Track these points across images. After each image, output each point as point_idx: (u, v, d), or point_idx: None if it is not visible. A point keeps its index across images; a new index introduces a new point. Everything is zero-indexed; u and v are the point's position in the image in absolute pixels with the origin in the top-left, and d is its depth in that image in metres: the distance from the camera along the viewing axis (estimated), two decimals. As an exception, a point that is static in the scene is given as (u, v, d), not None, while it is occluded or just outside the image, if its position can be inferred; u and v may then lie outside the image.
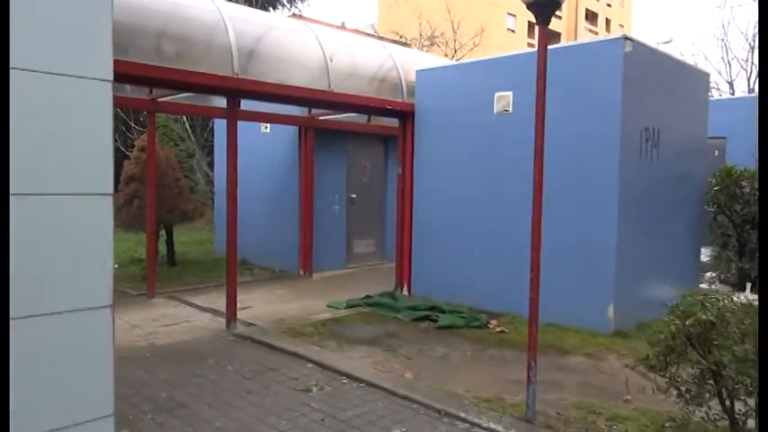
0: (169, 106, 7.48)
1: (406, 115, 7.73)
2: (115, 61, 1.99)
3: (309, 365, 4.93)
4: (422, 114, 7.62)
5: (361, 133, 10.02)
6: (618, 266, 5.92)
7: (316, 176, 9.37)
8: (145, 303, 7.25)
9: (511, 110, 6.67)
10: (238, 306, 6.94)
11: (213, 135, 11.20)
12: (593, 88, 6.02)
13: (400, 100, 7.60)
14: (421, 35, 23.22)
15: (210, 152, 11.31)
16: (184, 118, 12.03)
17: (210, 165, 11.94)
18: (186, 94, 7.36)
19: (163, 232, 9.74)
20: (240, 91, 5.95)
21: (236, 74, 5.85)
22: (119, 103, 7.52)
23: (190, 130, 11.93)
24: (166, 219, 8.24)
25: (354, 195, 10.37)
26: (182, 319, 6.53)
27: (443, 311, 6.61)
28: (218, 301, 7.45)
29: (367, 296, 7.32)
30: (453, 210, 7.25)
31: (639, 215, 6.31)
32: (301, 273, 9.39)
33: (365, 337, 5.79)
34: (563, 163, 5.91)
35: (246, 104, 8.73)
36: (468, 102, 7.08)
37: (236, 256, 6.09)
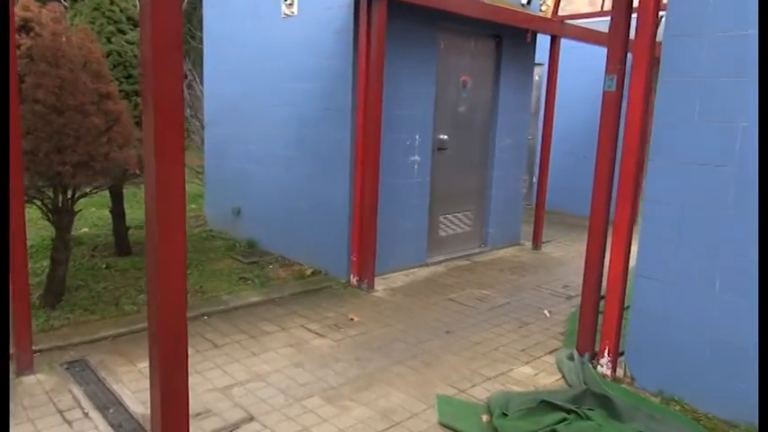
0: None
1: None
2: None
3: None
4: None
5: (460, 20, 5.37)
6: None
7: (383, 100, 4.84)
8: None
9: None
10: (210, 411, 2.75)
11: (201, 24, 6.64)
12: None
13: None
14: None
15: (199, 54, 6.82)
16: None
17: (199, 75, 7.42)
18: None
19: (107, 196, 5.45)
20: None
21: None
22: None
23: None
24: (62, 179, 3.75)
25: (445, 136, 5.84)
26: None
27: None
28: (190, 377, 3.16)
29: (541, 405, 2.91)
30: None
31: None
32: (353, 279, 5.05)
33: None
34: None
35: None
36: None
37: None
